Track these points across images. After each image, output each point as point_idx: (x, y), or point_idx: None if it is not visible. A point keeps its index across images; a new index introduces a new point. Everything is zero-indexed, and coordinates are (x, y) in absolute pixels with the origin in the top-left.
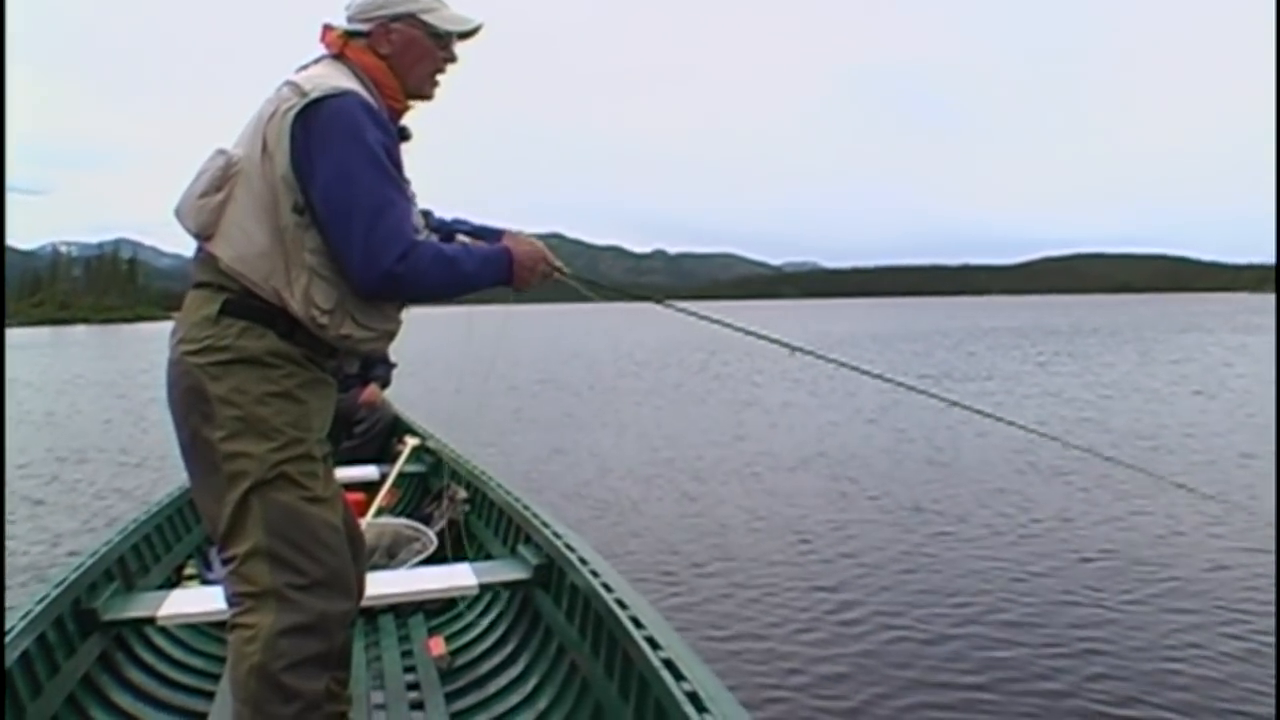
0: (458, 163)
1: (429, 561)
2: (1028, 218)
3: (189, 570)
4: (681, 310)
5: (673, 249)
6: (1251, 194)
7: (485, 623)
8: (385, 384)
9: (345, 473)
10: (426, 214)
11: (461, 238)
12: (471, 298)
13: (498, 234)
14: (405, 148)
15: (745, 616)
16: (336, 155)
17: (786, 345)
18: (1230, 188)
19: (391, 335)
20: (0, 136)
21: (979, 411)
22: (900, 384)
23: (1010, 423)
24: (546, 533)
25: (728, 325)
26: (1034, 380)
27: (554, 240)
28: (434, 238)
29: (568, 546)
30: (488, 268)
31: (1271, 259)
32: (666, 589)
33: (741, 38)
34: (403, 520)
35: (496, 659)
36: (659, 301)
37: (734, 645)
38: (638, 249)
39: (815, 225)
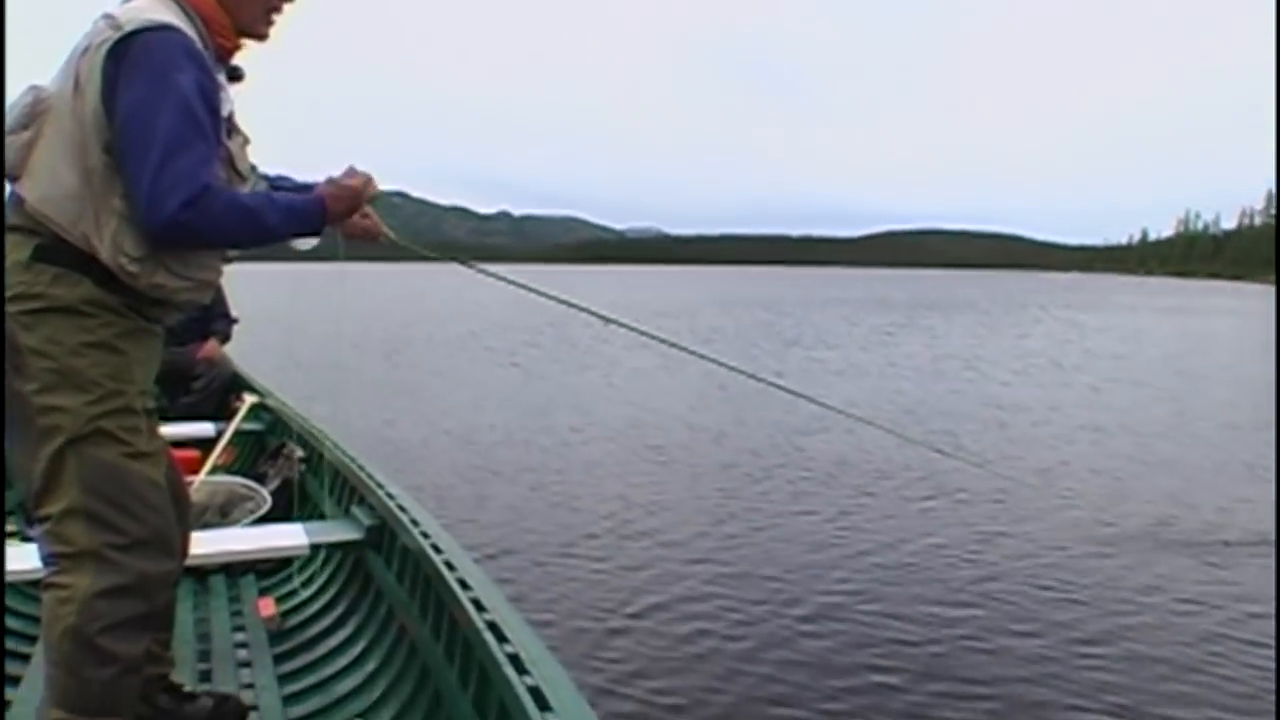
0: (302, 121)
1: (263, 521)
2: (870, 192)
3: (10, 527)
4: (485, 273)
5: (517, 211)
6: (1083, 179)
7: (317, 584)
8: (225, 339)
9: (180, 429)
10: (252, 168)
11: None
12: (311, 254)
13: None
14: (237, 89)
15: (571, 579)
16: (139, 92)
17: (599, 315)
18: (1064, 172)
19: (210, 285)
20: None
21: (783, 388)
22: (708, 359)
23: (824, 405)
24: (380, 494)
25: (534, 291)
26: (872, 353)
27: (398, 199)
28: (262, 187)
29: (400, 508)
30: (295, 218)
31: (1100, 241)
32: (500, 553)
33: (588, 2)
34: (237, 479)
35: (327, 621)
36: (463, 262)
37: (560, 608)
38: (482, 210)
39: (659, 191)
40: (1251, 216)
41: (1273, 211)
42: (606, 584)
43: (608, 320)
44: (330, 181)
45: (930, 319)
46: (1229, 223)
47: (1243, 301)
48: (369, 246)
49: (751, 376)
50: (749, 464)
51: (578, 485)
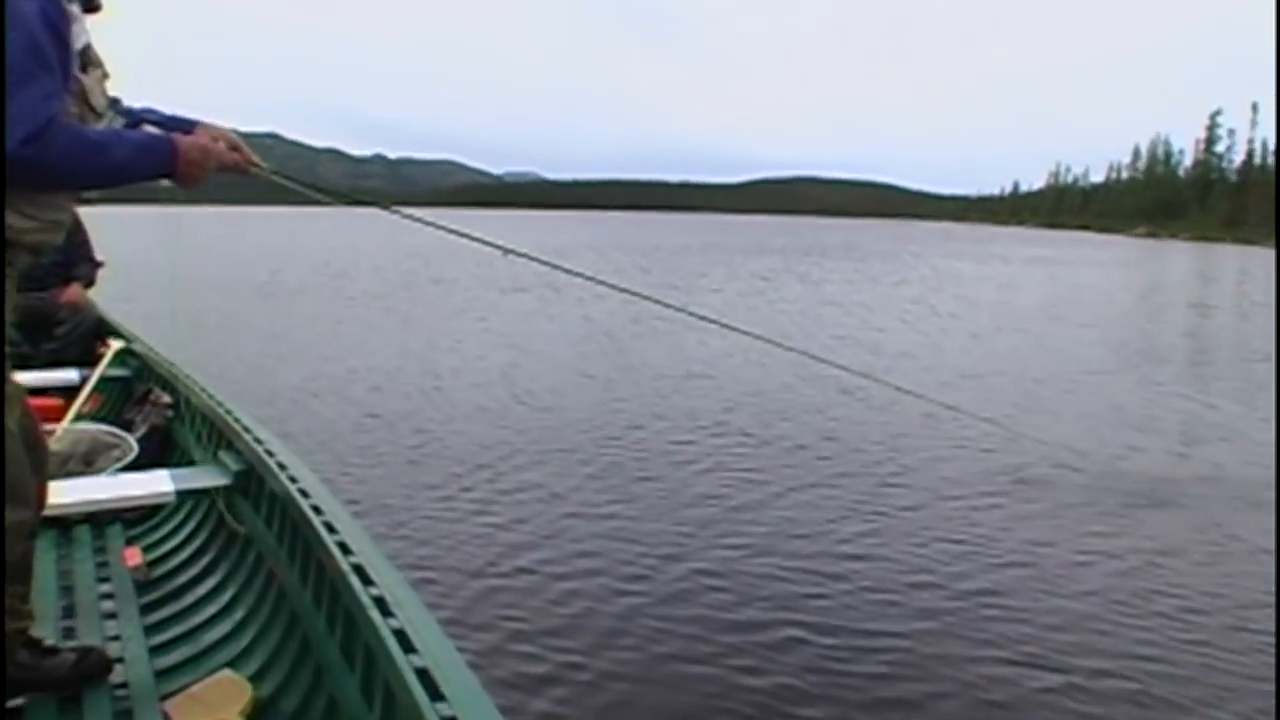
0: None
1: (130, 469)
2: (748, 139)
3: None
4: (409, 217)
5: (393, 154)
6: (958, 130)
7: (185, 532)
8: (89, 283)
9: (43, 376)
10: (114, 102)
11: (149, 128)
12: (184, 198)
13: (191, 125)
14: (94, 20)
15: (444, 523)
16: None
17: (498, 247)
18: (939, 123)
19: (61, 226)
20: None
21: (702, 317)
22: (620, 289)
23: (746, 333)
24: (248, 439)
25: (454, 232)
26: (754, 299)
27: (269, 140)
28: (119, 124)
29: (268, 452)
30: (146, 157)
31: (974, 191)
32: (372, 498)
33: None
34: (102, 426)
35: (195, 569)
36: (384, 207)
37: (431, 552)
38: (357, 152)
39: (538, 135)
40: (1119, 171)
41: (1141, 165)
42: (478, 527)
43: (506, 251)
44: (200, 127)
45: (808, 266)
46: (1097, 176)
47: (1110, 252)
48: (279, 190)
49: (660, 303)
50: (631, 409)
51: (455, 430)
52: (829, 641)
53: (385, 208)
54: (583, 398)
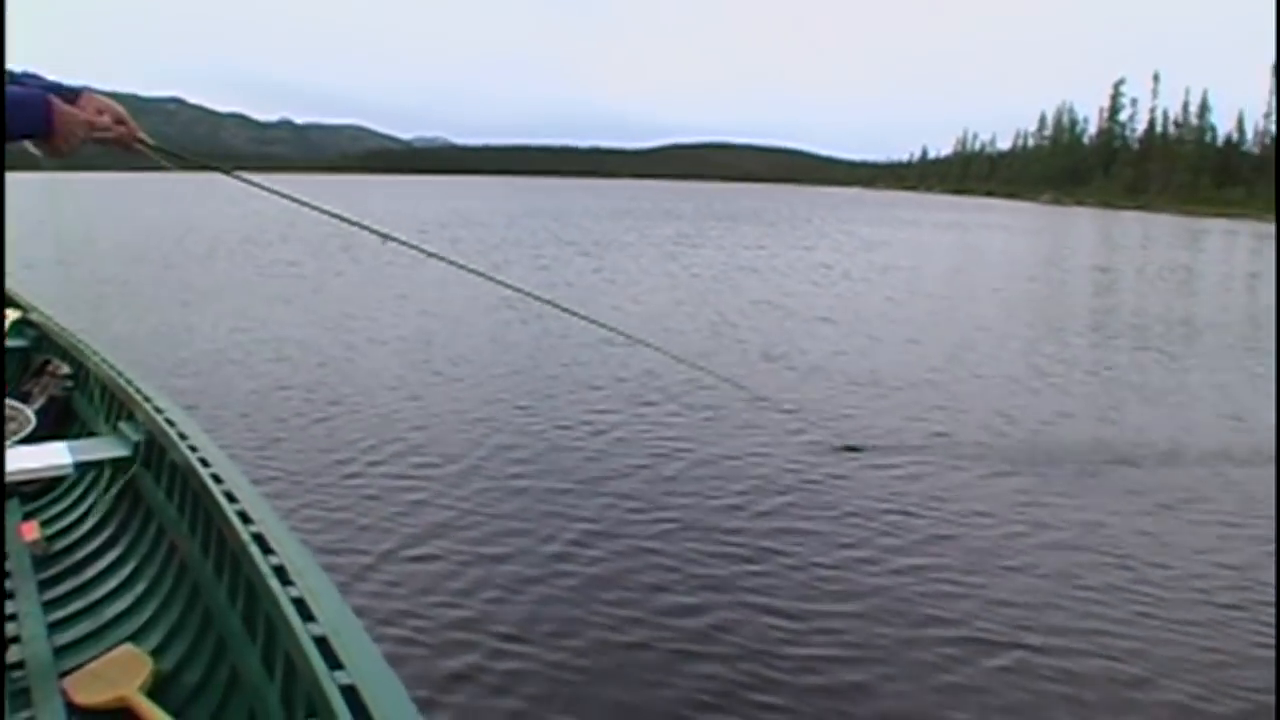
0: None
1: (26, 442)
2: (657, 105)
3: None
4: (249, 182)
5: (300, 119)
6: (867, 97)
7: (85, 505)
8: None
9: None
10: None
11: None
12: (60, 164)
13: (75, 94)
14: None
15: (350, 489)
16: None
17: (379, 234)
18: (848, 89)
19: None
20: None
21: (571, 312)
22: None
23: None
24: (149, 408)
25: (301, 202)
26: (664, 264)
27: (172, 105)
28: None
29: (169, 422)
30: (18, 113)
31: (882, 157)
32: (276, 468)
33: None
34: None
35: (95, 542)
36: (227, 172)
37: (335, 517)
38: (262, 117)
39: (446, 100)
40: (1025, 138)
41: (1047, 133)
42: (383, 495)
43: (385, 237)
44: (89, 96)
45: (718, 231)
46: (1004, 143)
47: (1016, 218)
48: (138, 156)
49: (523, 292)
50: (531, 382)
51: (361, 399)
52: (741, 615)
53: (227, 172)
54: (488, 368)
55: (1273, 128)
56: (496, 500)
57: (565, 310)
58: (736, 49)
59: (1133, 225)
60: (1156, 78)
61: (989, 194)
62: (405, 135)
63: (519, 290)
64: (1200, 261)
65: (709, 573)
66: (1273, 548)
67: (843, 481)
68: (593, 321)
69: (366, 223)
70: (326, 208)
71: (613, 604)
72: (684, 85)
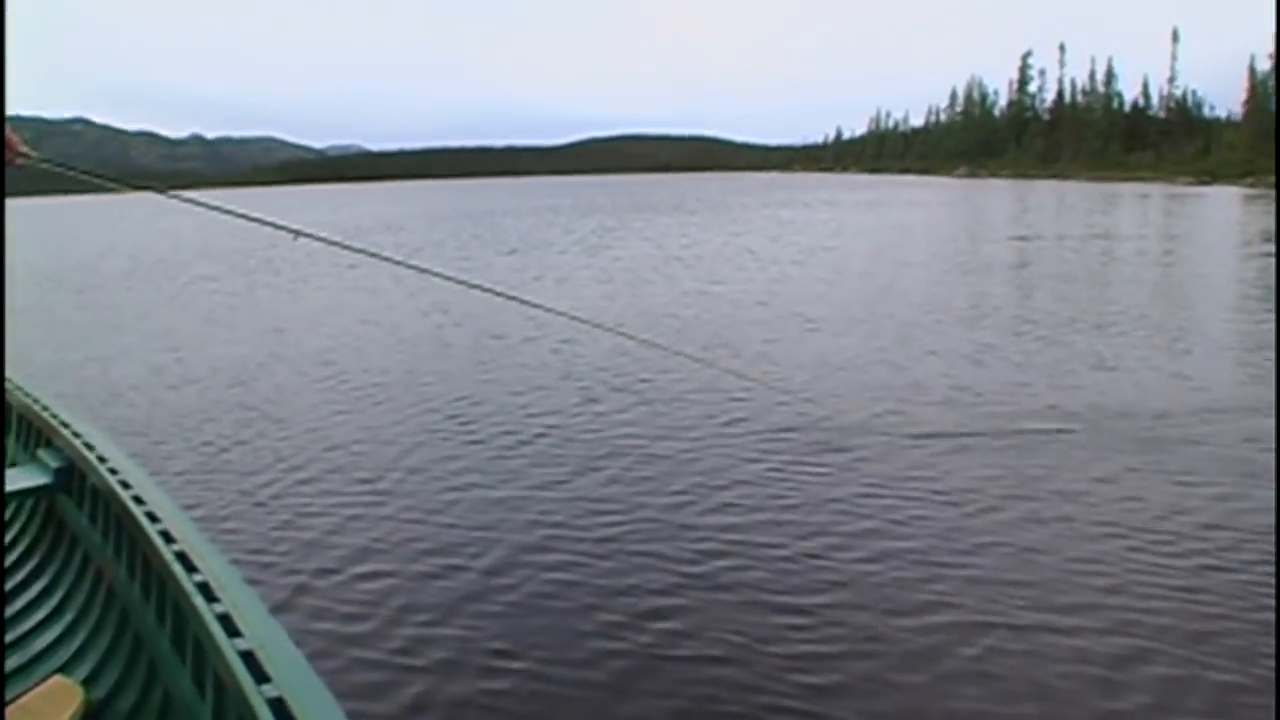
0: None
1: None
2: (570, 100)
3: None
4: (181, 199)
5: (210, 133)
6: (779, 81)
7: (8, 536)
8: None
9: None
10: None
11: None
12: None
13: None
14: None
15: (275, 503)
16: None
17: (290, 230)
18: (760, 74)
19: None
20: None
21: (508, 296)
22: (420, 270)
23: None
24: (68, 434)
25: (228, 212)
26: (594, 257)
27: (78, 126)
28: None
29: (88, 446)
30: None
31: (798, 141)
32: (201, 488)
33: None
34: None
35: (20, 574)
36: (160, 191)
37: (260, 532)
38: (172, 134)
39: (359, 107)
40: (937, 114)
41: (958, 108)
42: (308, 507)
43: (296, 234)
44: None
45: (641, 222)
46: (917, 120)
47: (933, 193)
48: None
49: (464, 283)
50: (464, 385)
51: (284, 414)
52: (667, 605)
53: (161, 191)
54: (417, 375)
55: (1177, 92)
56: (422, 506)
57: (507, 297)
58: (646, 40)
59: (1049, 193)
60: (1063, 48)
61: (905, 171)
62: (319, 145)
63: (462, 283)
64: (1123, 226)
65: (652, 571)
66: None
67: (795, 463)
68: (540, 307)
69: (311, 230)
70: (269, 219)
71: (555, 610)
72: (595, 79)
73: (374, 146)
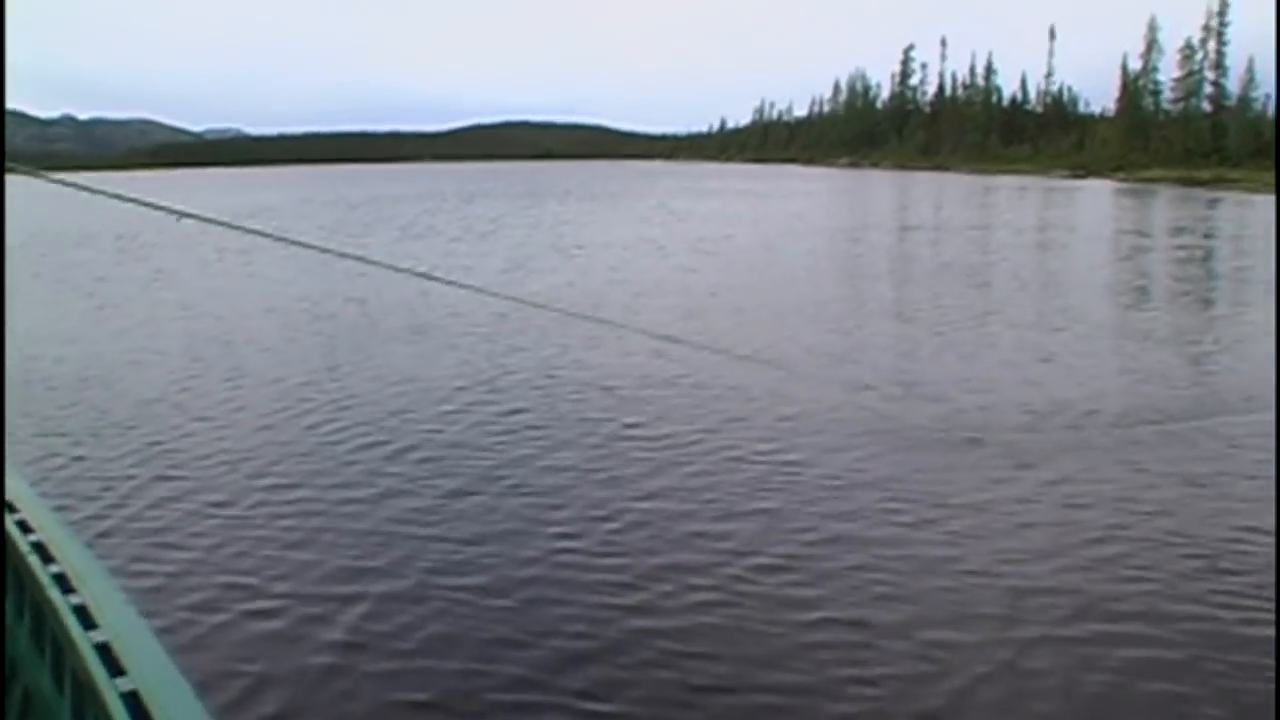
0: None
1: None
2: (456, 86)
3: None
4: (52, 180)
5: (83, 114)
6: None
7: None
8: None
9: None
10: None
11: None
12: None
13: None
14: None
15: (142, 493)
16: None
17: (173, 211)
18: (646, 62)
19: None
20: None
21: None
22: (319, 249)
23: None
24: None
25: (107, 194)
26: (491, 242)
27: None
28: None
29: None
30: None
31: (683, 129)
32: (64, 473)
33: None
34: None
35: None
36: (30, 173)
37: (125, 523)
38: (42, 113)
39: (239, 90)
40: (821, 104)
41: (842, 99)
42: (174, 496)
43: (180, 215)
44: None
45: (536, 210)
46: (801, 111)
47: (817, 183)
48: None
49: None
50: (344, 370)
51: (150, 403)
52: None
53: (32, 174)
54: (284, 362)
55: (1053, 88)
56: (292, 493)
57: (403, 271)
58: (531, 26)
59: (928, 184)
60: (944, 42)
61: (789, 160)
62: (197, 127)
63: (352, 257)
64: (1006, 217)
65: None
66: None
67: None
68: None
69: (158, 202)
70: (150, 200)
71: (426, 598)
72: (480, 64)
73: (254, 130)
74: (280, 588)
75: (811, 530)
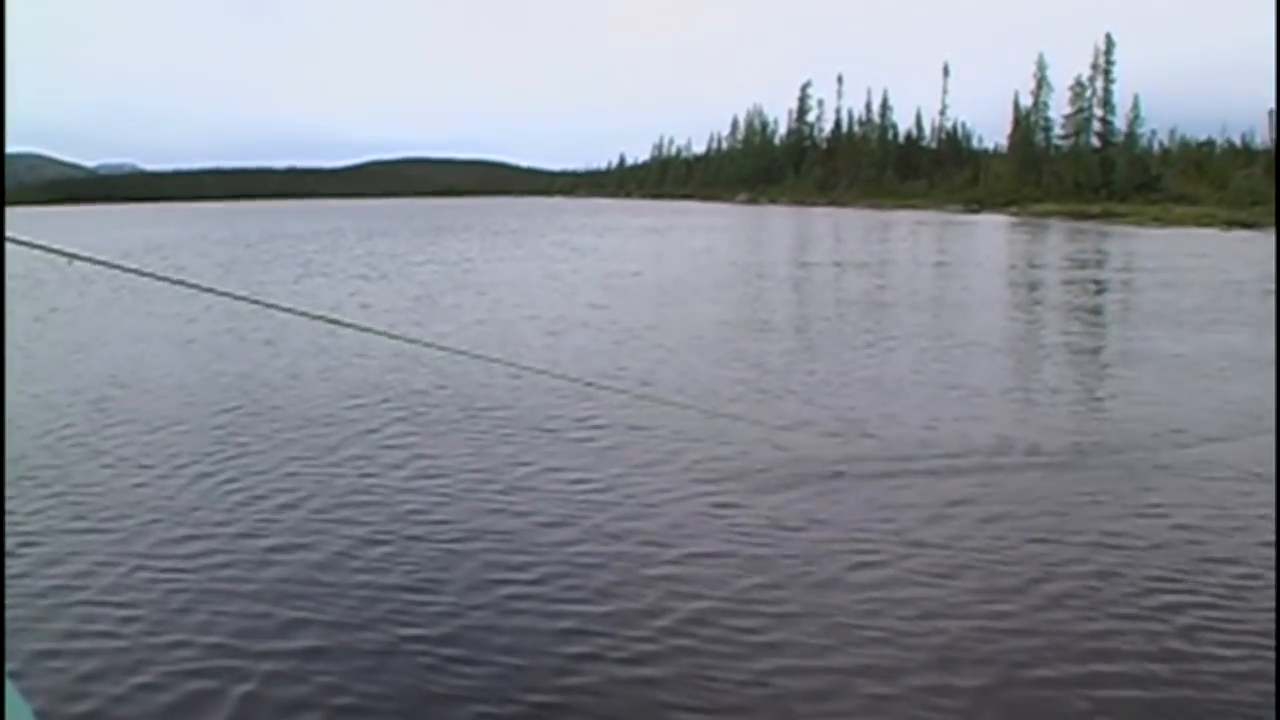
0: None
1: None
2: (353, 122)
3: None
4: None
5: None
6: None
7: None
8: None
9: None
10: None
11: None
12: None
13: None
14: None
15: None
16: None
17: (64, 254)
18: (544, 99)
19: None
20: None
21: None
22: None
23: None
24: None
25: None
26: (396, 282)
27: None
28: None
29: None
30: None
31: (582, 165)
32: None
33: None
34: None
35: None
36: None
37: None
38: None
39: (133, 124)
40: (719, 142)
41: (740, 135)
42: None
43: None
44: None
45: (435, 247)
46: (699, 147)
47: (717, 219)
48: None
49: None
50: (255, 404)
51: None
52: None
53: None
54: (188, 402)
55: (948, 124)
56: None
57: (310, 316)
58: (428, 62)
59: (825, 220)
60: (840, 79)
61: (688, 197)
62: (90, 162)
63: (252, 301)
64: (905, 251)
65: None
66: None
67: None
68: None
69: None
70: (40, 242)
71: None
72: (379, 101)
73: (149, 166)
74: (175, 653)
75: (729, 573)
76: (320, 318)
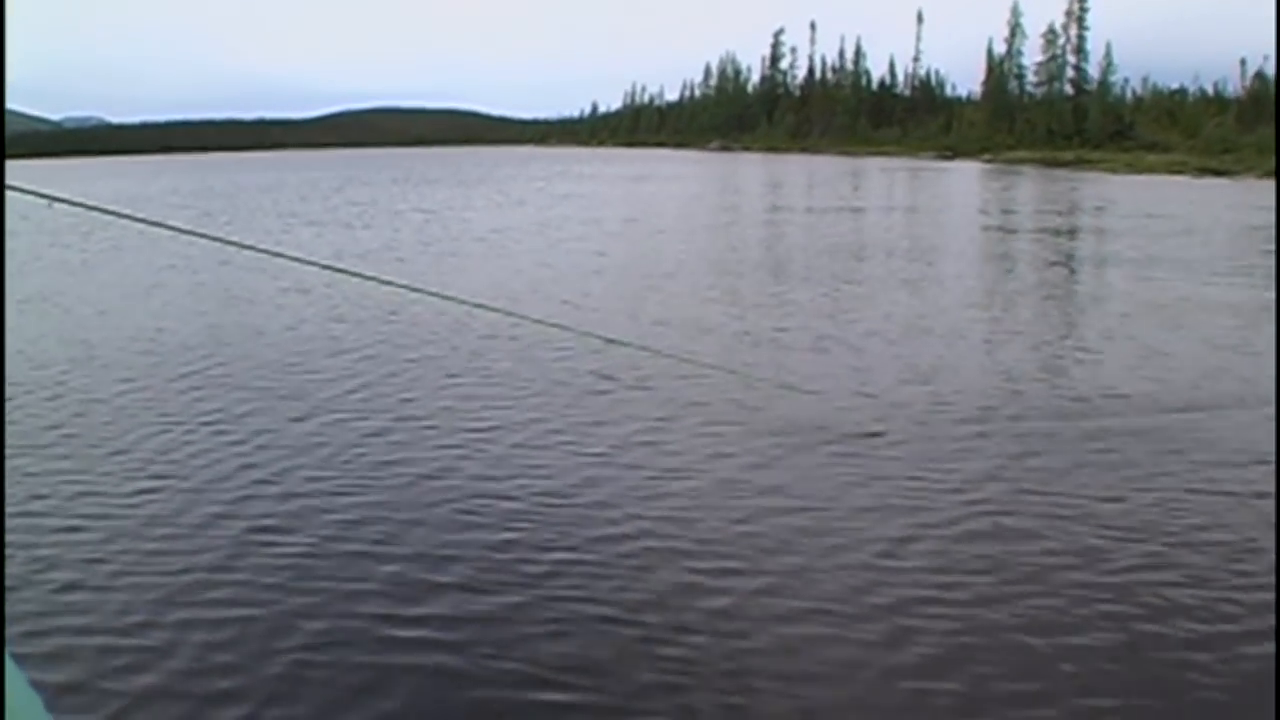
0: None
1: None
2: (322, 71)
3: None
4: None
5: None
6: (535, 53)
7: None
8: None
9: None
10: None
11: None
12: None
13: None
14: None
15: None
16: None
17: (44, 196)
18: (515, 47)
19: None
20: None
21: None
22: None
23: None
24: None
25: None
26: (375, 231)
27: None
28: None
29: None
30: None
31: (554, 114)
32: None
33: None
34: None
35: None
36: None
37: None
38: None
39: (99, 77)
40: (692, 89)
41: (713, 83)
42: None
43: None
44: None
45: (416, 196)
46: (672, 95)
47: (690, 167)
48: None
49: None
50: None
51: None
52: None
53: None
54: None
55: (921, 71)
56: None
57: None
58: (397, 9)
59: (798, 167)
60: (813, 26)
61: (660, 144)
62: (55, 116)
63: (242, 246)
64: (880, 198)
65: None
66: None
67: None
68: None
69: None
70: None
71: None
72: (349, 49)
73: (116, 119)
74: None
75: (732, 531)
76: (329, 267)
